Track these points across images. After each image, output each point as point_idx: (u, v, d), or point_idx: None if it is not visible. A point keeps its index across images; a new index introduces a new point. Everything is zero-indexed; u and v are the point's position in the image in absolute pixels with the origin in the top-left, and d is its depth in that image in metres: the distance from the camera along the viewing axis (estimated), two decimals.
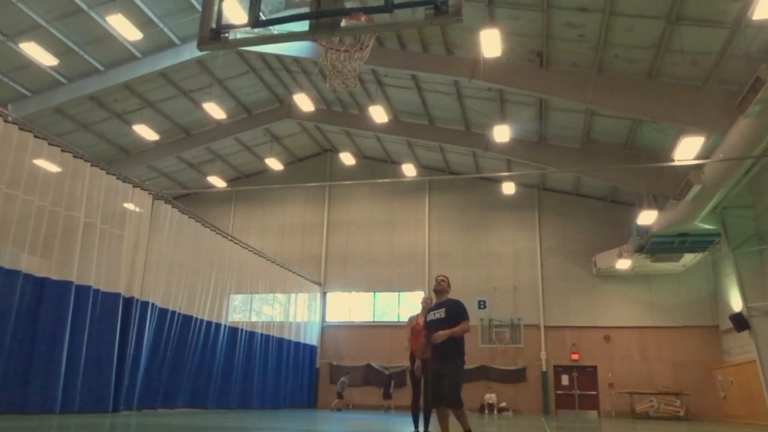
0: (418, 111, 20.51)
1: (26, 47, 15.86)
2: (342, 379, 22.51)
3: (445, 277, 6.43)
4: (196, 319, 14.89)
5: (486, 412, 21.26)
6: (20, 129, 9.78)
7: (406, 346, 7.86)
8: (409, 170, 22.44)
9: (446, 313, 5.99)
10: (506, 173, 22.36)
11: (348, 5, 4.79)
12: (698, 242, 18.08)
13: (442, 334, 5.75)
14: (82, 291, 10.63)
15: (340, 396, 22.03)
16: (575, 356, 22.32)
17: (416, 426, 7.54)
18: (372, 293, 24.83)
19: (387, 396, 21.83)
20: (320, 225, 25.90)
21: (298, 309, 22.53)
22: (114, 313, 11.36)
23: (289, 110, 22.62)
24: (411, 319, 7.88)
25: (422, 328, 7.57)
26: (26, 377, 9.43)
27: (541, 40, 14.26)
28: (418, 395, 7.55)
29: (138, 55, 17.95)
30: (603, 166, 18.66)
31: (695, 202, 15.45)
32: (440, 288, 6.28)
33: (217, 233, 16.54)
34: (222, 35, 4.81)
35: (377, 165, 25.73)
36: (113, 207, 11.84)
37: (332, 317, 24.97)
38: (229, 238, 17.52)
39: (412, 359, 7.50)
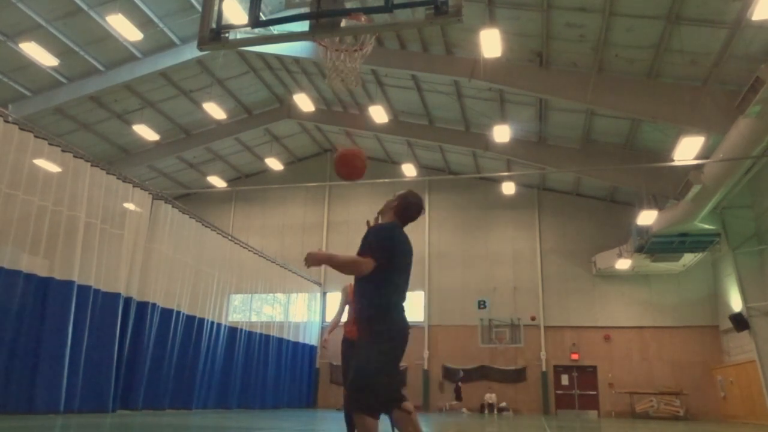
0: (418, 111, 20.51)
1: (26, 47, 15.85)
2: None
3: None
4: (197, 318, 14.89)
5: (486, 412, 21.26)
6: (20, 129, 9.78)
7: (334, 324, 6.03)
8: (409, 170, 22.45)
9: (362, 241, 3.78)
10: (506, 173, 22.36)
11: (348, 5, 4.79)
12: (698, 242, 18.08)
13: (317, 256, 3.57)
14: (83, 291, 10.63)
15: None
16: (575, 356, 22.33)
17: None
18: None
19: (458, 398, 21.26)
20: (320, 225, 25.90)
21: (297, 309, 22.54)
22: (114, 313, 11.36)
23: (289, 110, 22.62)
24: (345, 289, 6.21)
25: None
26: (32, 378, 9.44)
27: (541, 40, 14.26)
28: None
29: (138, 55, 17.95)
30: (603, 166, 18.66)
31: (695, 202, 15.46)
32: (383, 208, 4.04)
33: (217, 233, 16.53)
34: (222, 35, 4.82)
35: (377, 165, 25.68)
36: (113, 207, 11.84)
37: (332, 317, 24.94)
38: (229, 238, 17.52)
39: (344, 341, 5.78)
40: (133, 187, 12.56)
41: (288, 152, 26.06)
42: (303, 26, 4.77)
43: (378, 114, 19.03)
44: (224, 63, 18.94)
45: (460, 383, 21.58)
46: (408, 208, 3.87)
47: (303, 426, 8.98)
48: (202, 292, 15.35)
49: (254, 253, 18.98)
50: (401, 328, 3.56)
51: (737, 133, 12.36)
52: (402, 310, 3.62)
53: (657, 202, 17.43)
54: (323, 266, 24.76)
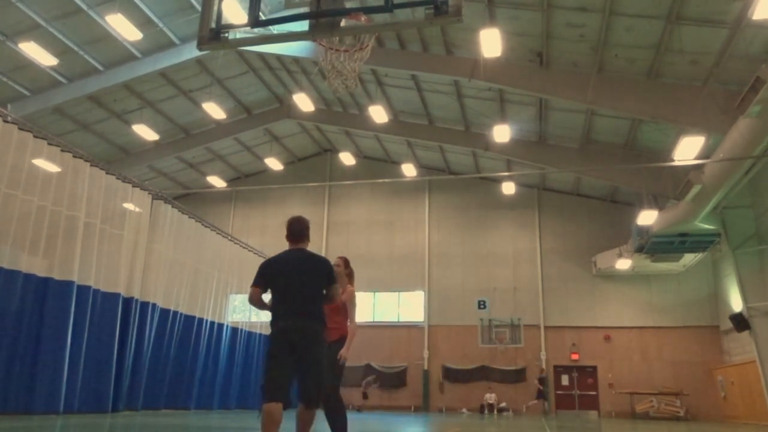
0: (418, 111, 20.50)
1: (26, 47, 15.83)
2: (368, 378, 22.14)
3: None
4: (197, 319, 14.87)
5: (486, 412, 21.25)
6: (20, 129, 9.76)
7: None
8: (409, 170, 22.43)
9: None
10: (506, 173, 22.35)
11: (348, 5, 4.78)
12: (698, 242, 18.08)
13: None
14: (83, 291, 10.62)
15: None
16: (575, 356, 22.32)
17: None
18: (372, 293, 24.81)
19: (540, 396, 21.26)
20: (320, 225, 25.87)
21: None
22: (113, 313, 11.35)
23: (289, 110, 22.60)
24: None
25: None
26: (31, 378, 9.43)
27: (541, 40, 14.25)
28: None
29: (138, 55, 17.93)
30: (603, 166, 18.65)
31: (695, 202, 15.45)
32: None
33: (217, 233, 16.53)
34: (222, 35, 4.81)
35: (377, 165, 25.70)
36: (113, 207, 11.82)
37: None
38: (229, 238, 17.51)
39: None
40: (133, 187, 12.54)
41: (288, 152, 26.05)
42: (303, 26, 4.76)
43: (378, 114, 19.01)
44: (224, 63, 18.92)
45: (540, 383, 21.58)
46: (288, 228, 4.74)
47: None
48: (202, 292, 15.34)
49: (254, 253, 18.96)
50: (277, 330, 4.11)
51: (737, 133, 12.35)
52: (282, 315, 4.13)
53: (657, 202, 17.43)
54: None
